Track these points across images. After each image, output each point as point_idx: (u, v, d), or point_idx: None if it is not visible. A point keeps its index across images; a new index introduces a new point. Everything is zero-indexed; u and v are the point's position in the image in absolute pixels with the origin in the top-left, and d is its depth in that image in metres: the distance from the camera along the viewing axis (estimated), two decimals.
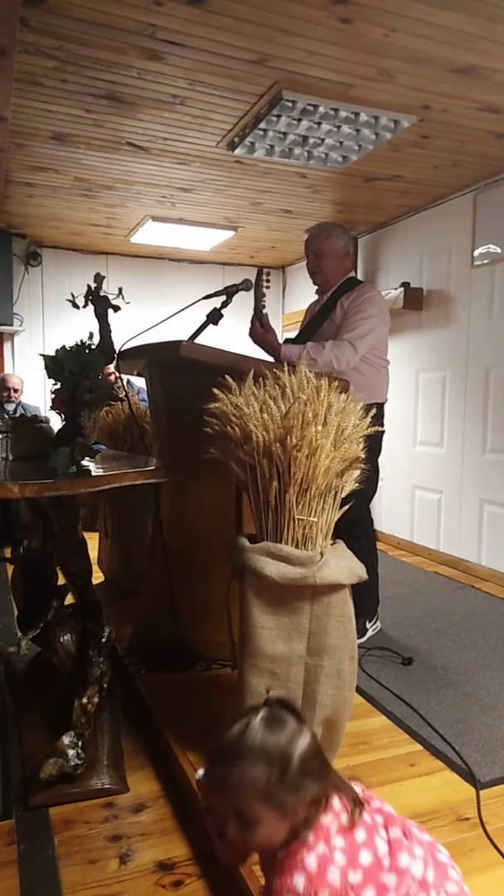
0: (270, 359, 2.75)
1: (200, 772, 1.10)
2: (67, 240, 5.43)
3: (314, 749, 1.03)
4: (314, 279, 2.93)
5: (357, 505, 1.89)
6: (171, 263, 6.02)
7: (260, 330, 2.63)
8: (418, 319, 4.54)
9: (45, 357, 1.92)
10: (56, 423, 2.09)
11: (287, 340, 2.96)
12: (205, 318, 2.55)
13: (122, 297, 2.11)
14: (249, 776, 0.97)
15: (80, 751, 1.71)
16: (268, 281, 2.65)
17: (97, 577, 2.92)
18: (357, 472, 1.75)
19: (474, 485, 4.09)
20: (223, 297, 2.56)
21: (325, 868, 0.98)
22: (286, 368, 1.79)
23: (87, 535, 2.09)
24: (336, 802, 1.03)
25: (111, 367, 2.27)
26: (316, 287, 2.98)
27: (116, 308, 2.12)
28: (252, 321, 2.65)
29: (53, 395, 1.97)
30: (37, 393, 5.30)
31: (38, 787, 1.69)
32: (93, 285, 2.13)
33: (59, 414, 1.99)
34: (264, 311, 2.65)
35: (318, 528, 1.69)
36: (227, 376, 1.78)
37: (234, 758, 1.00)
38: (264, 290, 2.62)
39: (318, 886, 0.97)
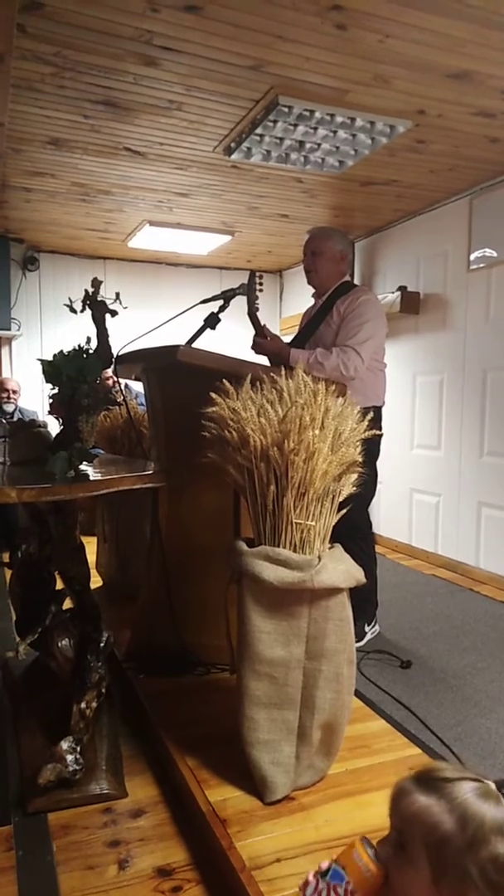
0: (268, 362, 2.77)
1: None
2: (65, 244, 5.44)
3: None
4: (309, 278, 2.95)
5: (355, 508, 1.89)
6: (169, 268, 6.03)
7: (262, 340, 2.66)
8: (415, 323, 4.55)
9: (43, 362, 1.93)
10: (54, 427, 2.09)
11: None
12: (202, 323, 2.56)
13: (120, 302, 2.11)
14: (431, 814, 0.90)
15: (78, 756, 1.70)
16: (260, 284, 2.67)
17: (95, 581, 2.92)
18: (355, 476, 1.75)
19: (472, 488, 4.09)
20: (220, 302, 2.56)
21: None
22: (283, 372, 1.79)
23: (85, 539, 2.09)
24: None
25: (109, 372, 2.27)
26: (312, 291, 2.99)
27: (114, 313, 2.12)
28: (254, 339, 2.69)
29: (51, 400, 1.97)
30: (35, 397, 5.29)
31: (36, 793, 1.68)
32: (90, 290, 2.13)
33: (57, 418, 1.99)
34: (258, 312, 2.67)
35: (315, 531, 1.69)
36: (224, 380, 1.78)
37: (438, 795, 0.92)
38: (257, 293, 2.64)
39: None
